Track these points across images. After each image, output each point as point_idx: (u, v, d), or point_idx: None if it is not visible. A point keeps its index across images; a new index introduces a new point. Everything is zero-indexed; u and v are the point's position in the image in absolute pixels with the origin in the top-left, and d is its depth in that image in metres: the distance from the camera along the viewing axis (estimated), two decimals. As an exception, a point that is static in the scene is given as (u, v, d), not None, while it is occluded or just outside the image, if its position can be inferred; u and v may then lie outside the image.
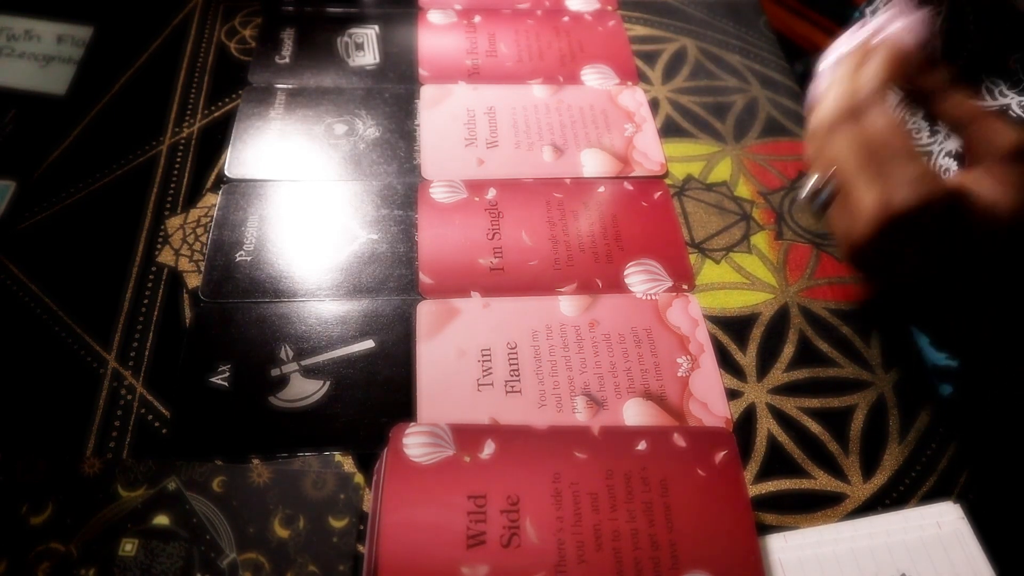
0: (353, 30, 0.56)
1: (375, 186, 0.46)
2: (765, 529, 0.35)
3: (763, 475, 0.37)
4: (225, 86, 0.51)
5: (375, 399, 0.37)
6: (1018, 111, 0.41)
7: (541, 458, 0.35)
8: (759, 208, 0.47)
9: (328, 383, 0.38)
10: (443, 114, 0.50)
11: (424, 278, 0.42)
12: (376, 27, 0.56)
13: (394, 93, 0.52)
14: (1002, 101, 0.42)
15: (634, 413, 0.38)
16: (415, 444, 0.34)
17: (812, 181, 0.38)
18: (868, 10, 0.58)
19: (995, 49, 0.42)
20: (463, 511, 0.33)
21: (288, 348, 0.39)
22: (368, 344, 0.39)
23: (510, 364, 0.39)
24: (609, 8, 0.59)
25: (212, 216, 0.44)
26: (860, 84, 0.36)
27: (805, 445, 0.38)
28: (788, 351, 0.41)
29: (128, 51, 0.53)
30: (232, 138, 0.48)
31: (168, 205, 0.45)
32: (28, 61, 0.52)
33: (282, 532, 0.33)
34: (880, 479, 0.37)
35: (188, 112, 0.50)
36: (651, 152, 0.49)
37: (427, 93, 0.52)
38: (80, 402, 0.37)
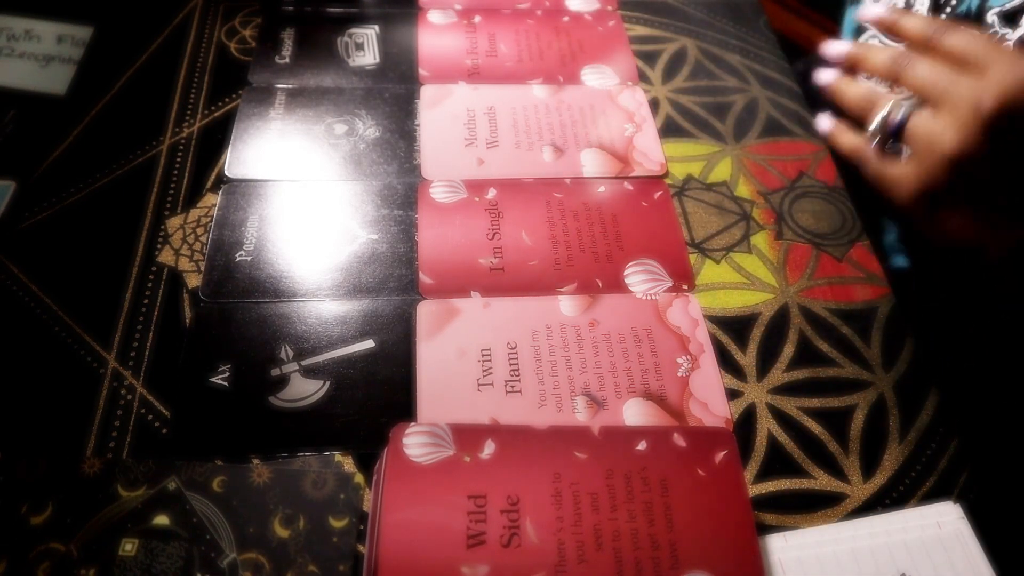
0: (353, 30, 0.56)
1: (375, 186, 0.46)
2: (765, 529, 0.35)
3: (763, 475, 0.37)
4: (225, 86, 0.51)
5: (375, 399, 0.37)
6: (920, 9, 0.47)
7: (541, 458, 0.35)
8: (759, 208, 0.47)
9: (328, 383, 0.38)
10: (443, 114, 0.50)
11: (424, 278, 0.42)
12: (376, 27, 0.56)
13: (394, 93, 0.52)
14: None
15: (634, 413, 0.38)
16: (415, 444, 0.34)
17: (885, 112, 0.39)
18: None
19: None
20: (463, 511, 0.33)
21: (288, 348, 0.39)
22: (368, 344, 0.39)
23: (510, 364, 0.39)
24: (609, 8, 0.59)
25: (212, 216, 0.44)
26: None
27: (805, 445, 0.38)
28: (788, 351, 0.41)
29: (128, 51, 0.53)
30: (232, 138, 0.48)
31: (168, 205, 0.45)
32: (28, 61, 0.52)
33: (282, 532, 0.33)
34: (880, 479, 0.37)
35: (188, 112, 0.50)
36: (651, 152, 0.49)
37: (427, 93, 0.52)
38: (80, 402, 0.37)
